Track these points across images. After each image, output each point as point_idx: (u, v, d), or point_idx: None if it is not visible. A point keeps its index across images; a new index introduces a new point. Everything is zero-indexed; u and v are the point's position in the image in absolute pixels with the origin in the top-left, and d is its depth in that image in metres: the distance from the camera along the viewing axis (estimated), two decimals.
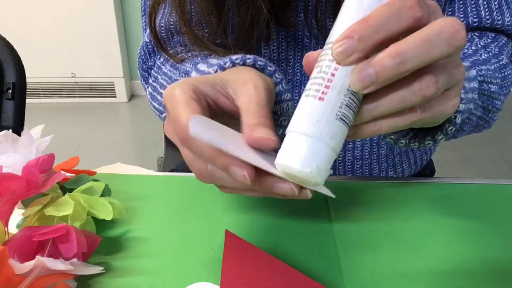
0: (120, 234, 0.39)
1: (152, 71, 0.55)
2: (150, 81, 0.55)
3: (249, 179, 0.28)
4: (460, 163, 1.90)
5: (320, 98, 0.26)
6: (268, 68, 0.38)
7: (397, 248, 0.37)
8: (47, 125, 0.45)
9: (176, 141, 0.32)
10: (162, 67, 0.52)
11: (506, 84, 0.47)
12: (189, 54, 0.51)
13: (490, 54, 0.48)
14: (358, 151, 0.56)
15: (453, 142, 1.94)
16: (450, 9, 0.51)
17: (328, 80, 0.26)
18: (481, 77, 0.42)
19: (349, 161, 0.57)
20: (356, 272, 0.35)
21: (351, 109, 0.26)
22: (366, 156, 0.56)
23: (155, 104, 0.52)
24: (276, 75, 0.38)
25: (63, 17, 2.22)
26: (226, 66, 0.38)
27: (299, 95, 0.53)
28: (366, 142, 0.56)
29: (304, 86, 0.53)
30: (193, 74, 0.41)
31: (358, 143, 0.56)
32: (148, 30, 0.55)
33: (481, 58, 0.45)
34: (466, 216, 0.41)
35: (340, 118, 0.26)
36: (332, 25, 0.50)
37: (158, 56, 0.55)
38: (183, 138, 0.29)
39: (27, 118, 0.70)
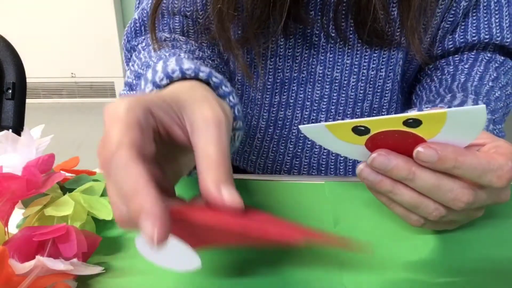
0: (120, 234, 0.39)
1: (133, 54, 0.52)
2: (130, 64, 0.52)
3: (156, 240, 0.23)
4: None
5: None
6: (224, 88, 0.35)
7: (397, 248, 0.37)
8: (47, 125, 0.45)
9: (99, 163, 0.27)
10: (142, 51, 0.50)
11: (507, 112, 0.50)
12: (170, 44, 0.49)
13: (500, 85, 0.50)
14: None
15: None
16: (463, 24, 0.52)
17: None
18: (493, 122, 0.46)
19: (350, 161, 0.57)
20: (356, 272, 0.35)
21: None
22: None
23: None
24: (231, 98, 0.36)
25: (63, 17, 2.22)
26: (174, 75, 0.35)
27: (304, 94, 0.53)
28: None
29: (310, 85, 0.53)
30: (149, 73, 0.37)
31: None
32: (140, 7, 0.53)
33: (493, 96, 0.48)
34: None
35: None
36: (346, 27, 0.50)
37: (143, 38, 0.53)
38: (104, 161, 0.25)
39: (27, 118, 0.70)
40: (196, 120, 0.29)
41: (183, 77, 0.35)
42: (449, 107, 0.42)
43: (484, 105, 0.27)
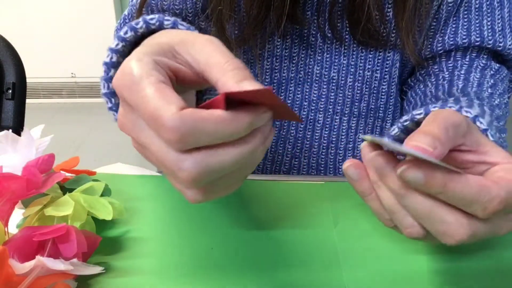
0: (120, 234, 0.39)
1: None
2: None
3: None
4: None
5: None
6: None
7: (397, 248, 0.37)
8: (47, 125, 0.45)
9: (148, 146, 0.26)
10: None
11: (505, 122, 0.48)
12: None
13: (498, 92, 0.48)
14: (358, 151, 0.56)
15: None
16: (454, 25, 0.51)
17: None
18: (499, 131, 0.43)
19: None
20: (356, 272, 0.35)
21: None
22: None
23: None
24: None
25: (63, 17, 2.22)
26: (139, 26, 0.34)
27: (302, 93, 0.53)
28: None
29: (308, 85, 0.53)
30: (115, 41, 0.36)
31: (359, 143, 0.56)
32: (131, 3, 0.53)
33: (494, 103, 0.46)
34: None
35: None
36: (342, 27, 0.49)
37: None
38: (181, 141, 0.24)
39: (27, 118, 0.70)
40: (188, 46, 0.28)
41: (147, 27, 0.35)
42: (460, 107, 0.39)
43: None
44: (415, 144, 0.27)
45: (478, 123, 0.37)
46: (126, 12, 0.54)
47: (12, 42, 0.72)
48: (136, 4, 0.51)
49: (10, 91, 0.68)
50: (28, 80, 0.72)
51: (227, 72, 0.26)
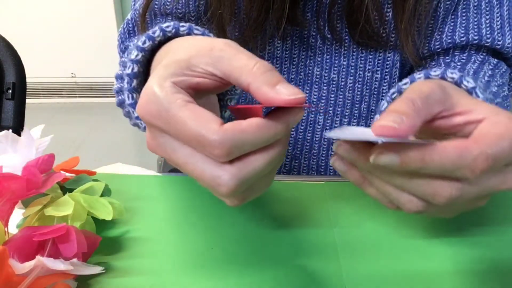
0: (120, 234, 0.39)
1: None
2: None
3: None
4: None
5: None
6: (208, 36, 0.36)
7: (397, 248, 0.37)
8: (47, 125, 0.45)
9: (192, 164, 0.27)
10: None
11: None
12: None
13: (497, 83, 0.48)
14: None
15: None
16: (452, 23, 0.50)
17: None
18: (497, 98, 0.43)
19: None
20: (356, 272, 0.35)
21: None
22: None
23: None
24: None
25: (63, 17, 2.22)
26: (156, 35, 0.35)
27: None
28: None
29: (308, 86, 0.53)
30: (134, 51, 0.36)
31: None
32: (133, 7, 0.53)
33: (493, 90, 0.46)
34: (467, 215, 0.41)
35: None
36: (341, 28, 0.49)
37: (136, 38, 0.52)
38: (230, 152, 0.25)
39: (27, 118, 0.70)
40: (207, 55, 0.28)
41: (164, 35, 0.35)
42: (445, 70, 0.38)
43: None
44: (380, 124, 0.27)
45: (465, 82, 0.36)
46: (129, 17, 0.53)
47: (12, 42, 0.72)
48: (139, 9, 0.51)
49: (10, 91, 0.68)
50: (28, 80, 0.72)
51: (259, 76, 0.27)
